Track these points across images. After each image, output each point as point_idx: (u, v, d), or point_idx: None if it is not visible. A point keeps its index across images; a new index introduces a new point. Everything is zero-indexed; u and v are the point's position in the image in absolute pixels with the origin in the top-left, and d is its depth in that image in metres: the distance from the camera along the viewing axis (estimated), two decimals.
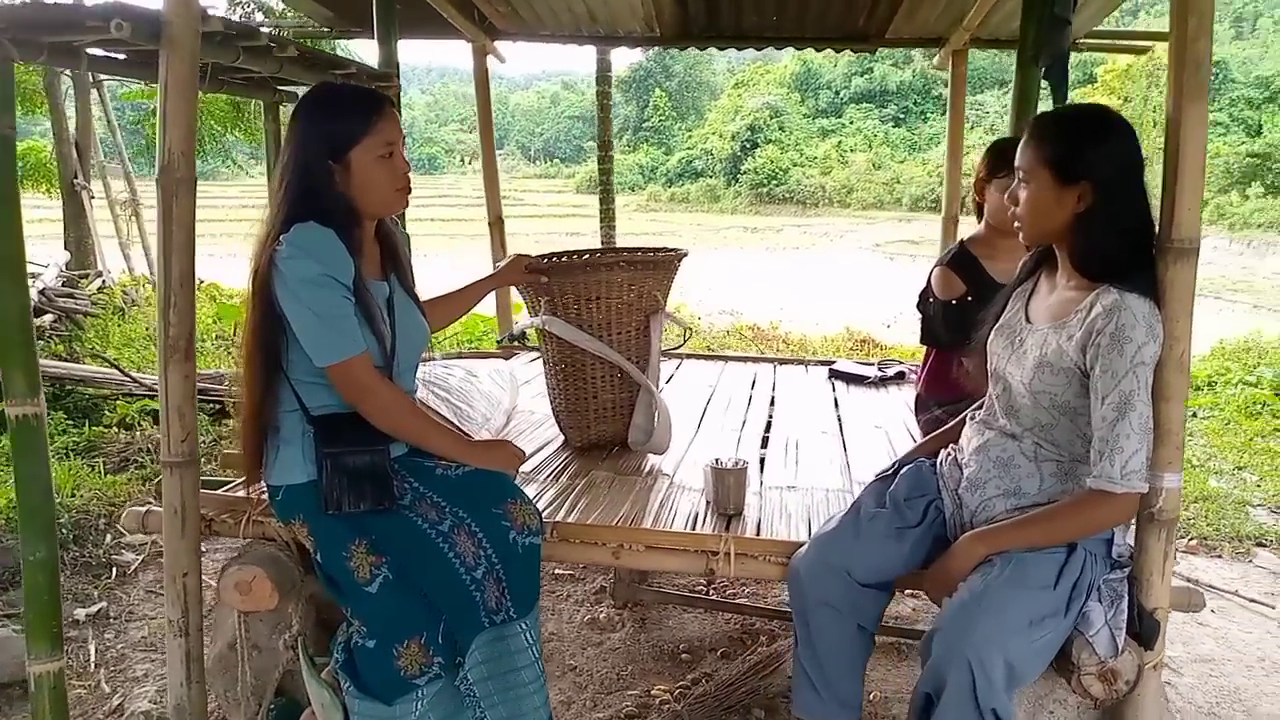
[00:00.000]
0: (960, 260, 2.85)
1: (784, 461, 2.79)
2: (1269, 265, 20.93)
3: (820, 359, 4.47)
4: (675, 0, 3.96)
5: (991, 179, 2.79)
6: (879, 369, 3.98)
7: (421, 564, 1.96)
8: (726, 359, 4.41)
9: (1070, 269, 1.89)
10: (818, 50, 4.54)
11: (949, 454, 2.15)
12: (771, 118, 40.86)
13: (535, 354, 4.18)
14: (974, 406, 2.21)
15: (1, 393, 2.25)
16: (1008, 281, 2.81)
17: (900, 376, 3.90)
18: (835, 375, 3.95)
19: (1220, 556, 3.90)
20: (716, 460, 2.35)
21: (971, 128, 40.70)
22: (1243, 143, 30.34)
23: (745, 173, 38.66)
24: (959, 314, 2.79)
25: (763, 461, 2.78)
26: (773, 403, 3.55)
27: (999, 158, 2.77)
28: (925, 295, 2.97)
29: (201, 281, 8.76)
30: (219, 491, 2.37)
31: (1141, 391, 1.73)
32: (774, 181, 37.39)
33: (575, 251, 3.06)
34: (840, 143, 39.88)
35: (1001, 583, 1.78)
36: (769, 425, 3.23)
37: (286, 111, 2.78)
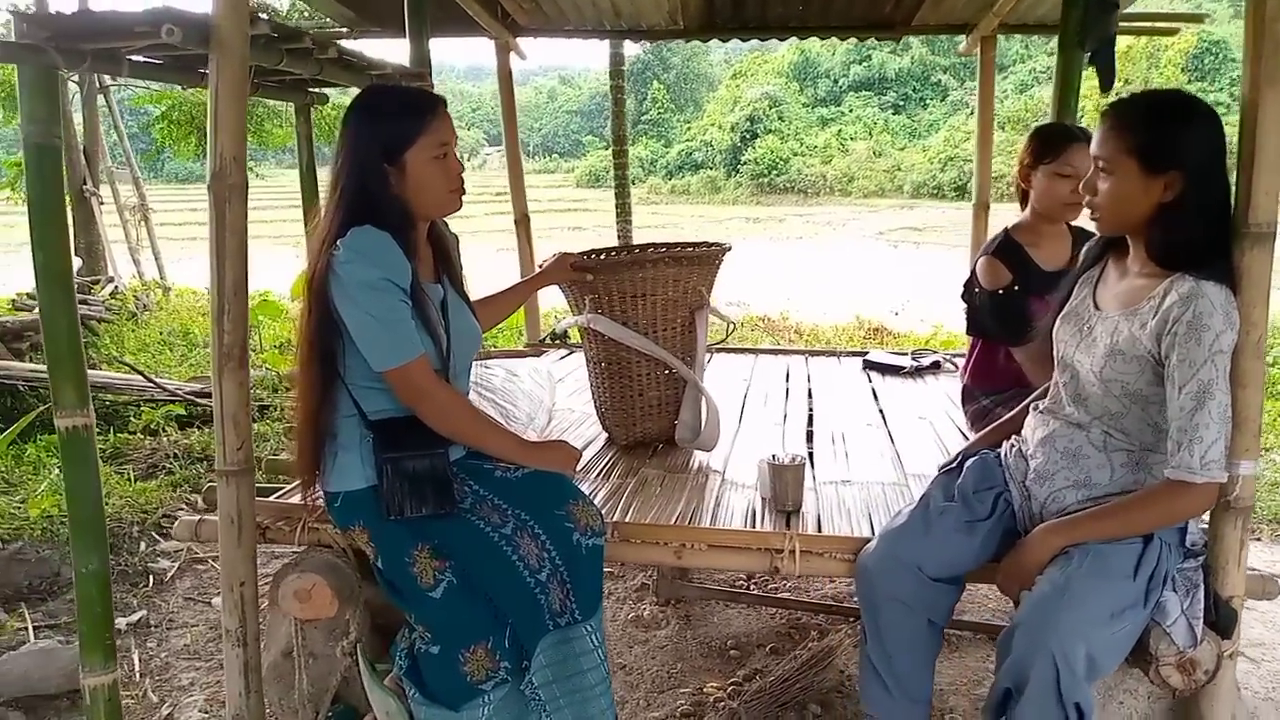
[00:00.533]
0: (1006, 249, 2.81)
1: (833, 455, 2.77)
2: None
3: (852, 350, 4.45)
4: None
5: (1038, 165, 2.75)
6: (913, 359, 3.95)
7: (486, 568, 1.94)
8: (757, 352, 4.39)
9: (1144, 257, 1.86)
10: (841, 40, 4.51)
11: (1013, 445, 2.13)
12: (771, 107, 40.67)
13: (567, 351, 4.16)
14: (1035, 395, 2.18)
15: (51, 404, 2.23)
16: (1054, 269, 2.80)
17: (936, 366, 3.88)
18: (870, 366, 3.92)
19: (1260, 539, 3.88)
20: (773, 456, 2.33)
21: (971, 114, 40.68)
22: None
23: (745, 163, 38.50)
24: (1006, 303, 2.76)
25: (811, 456, 2.76)
26: (810, 395, 3.52)
27: (1045, 143, 2.73)
28: (970, 285, 2.93)
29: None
30: (272, 498, 2.34)
31: (1220, 380, 1.70)
32: (775, 171, 37.23)
33: (617, 248, 3.03)
34: (840, 131, 39.72)
35: (1082, 575, 1.76)
36: (810, 419, 3.21)
37: (318, 114, 2.75)
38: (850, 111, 42.10)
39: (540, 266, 2.66)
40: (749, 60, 48.75)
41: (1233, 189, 1.80)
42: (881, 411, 3.28)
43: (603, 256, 2.76)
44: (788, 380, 3.75)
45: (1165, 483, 1.76)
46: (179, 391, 5.43)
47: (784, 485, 2.28)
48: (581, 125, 57.36)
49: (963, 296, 2.99)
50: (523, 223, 4.57)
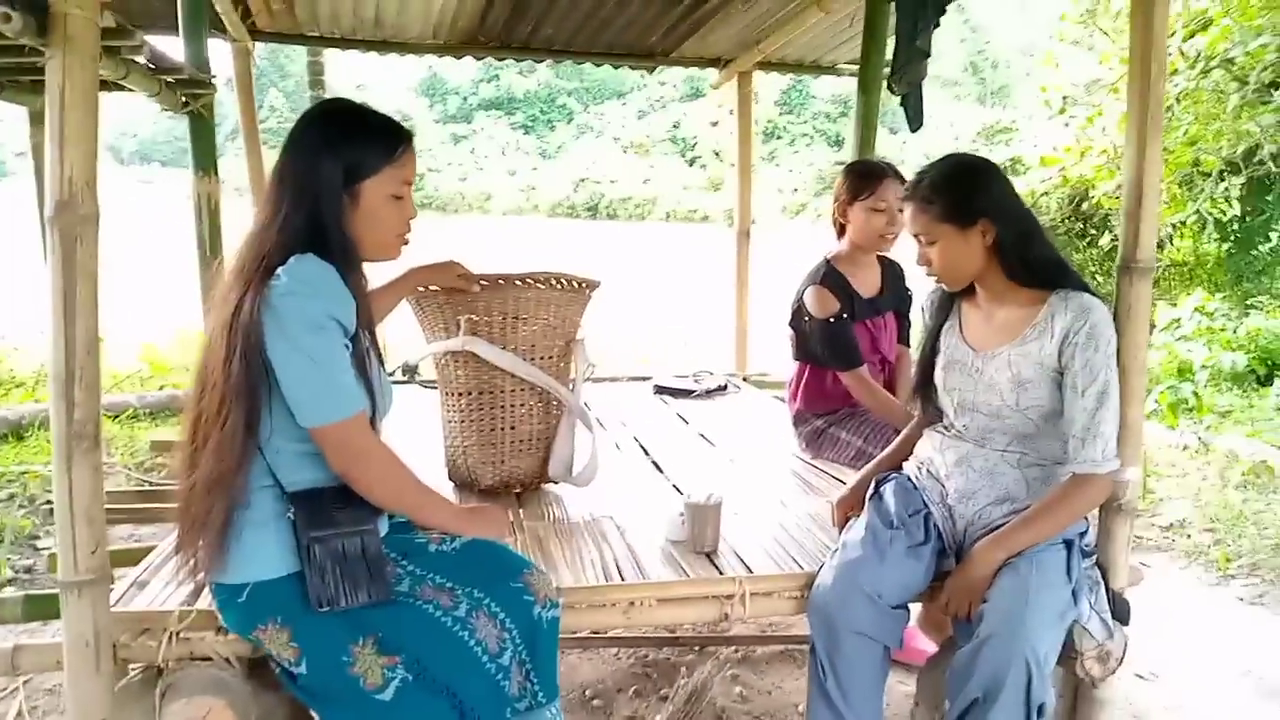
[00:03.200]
0: (830, 278, 2.96)
1: (699, 488, 2.74)
2: None
3: (634, 376, 4.45)
4: (480, 8, 3.73)
5: (854, 201, 2.93)
6: (695, 381, 4.04)
7: (443, 658, 1.68)
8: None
9: (1006, 289, 2.06)
10: (596, 65, 4.51)
11: (920, 466, 2.23)
12: (401, 121, 40.01)
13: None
14: (916, 422, 2.30)
15: None
16: (870, 296, 3.00)
17: (722, 389, 3.99)
18: (661, 391, 3.95)
19: None
20: (689, 496, 2.26)
21: (598, 136, 42.81)
22: (826, 152, 34.75)
23: None
24: (837, 331, 2.91)
25: (676, 488, 2.71)
26: (624, 425, 3.47)
27: (860, 180, 2.92)
28: (799, 314, 3.05)
29: None
30: (117, 605, 1.85)
31: (1114, 380, 1.94)
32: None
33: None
34: (474, 149, 40.02)
35: (1034, 583, 1.88)
36: (644, 449, 3.16)
37: None
38: (482, 130, 42.56)
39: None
40: (374, 73, 47.51)
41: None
42: (704, 436, 3.32)
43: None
44: (588, 409, 3.67)
45: (1073, 479, 1.95)
46: None
47: (704, 525, 2.22)
48: (187, 132, 52.48)
49: (791, 324, 3.11)
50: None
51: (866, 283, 3.02)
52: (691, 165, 38.04)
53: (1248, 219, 8.27)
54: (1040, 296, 2.01)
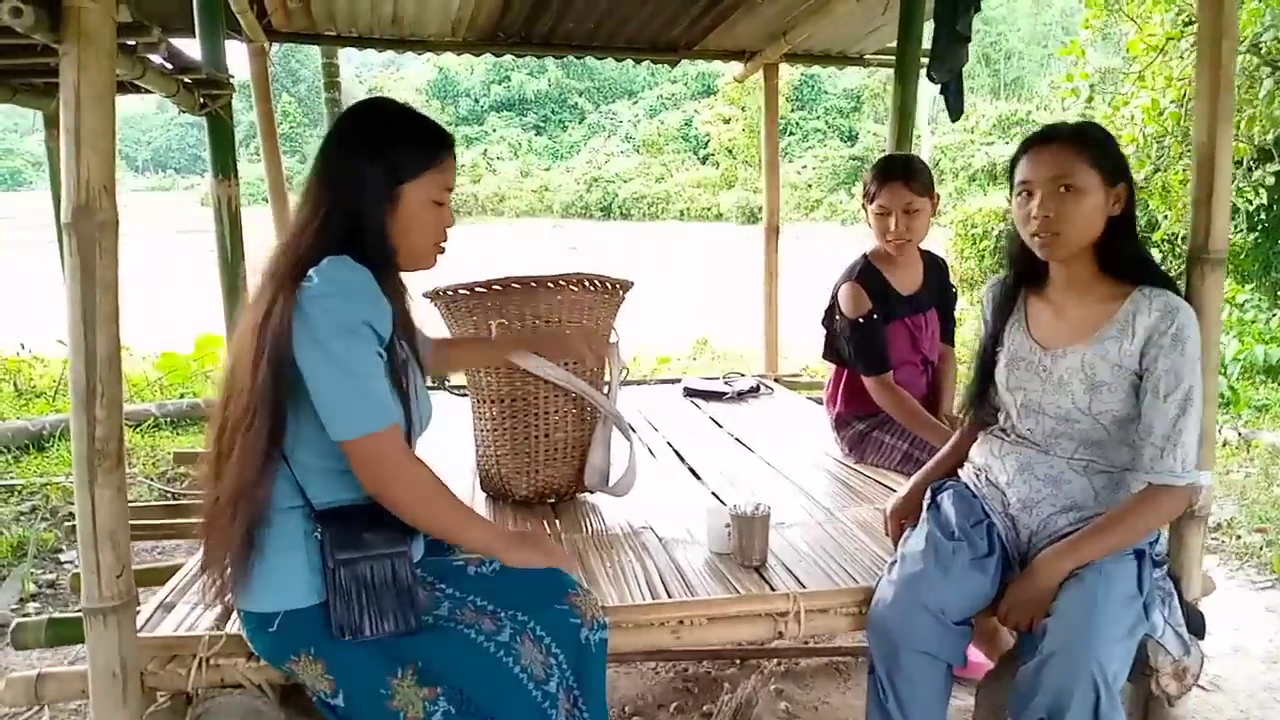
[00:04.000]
0: (866, 274, 2.86)
1: (741, 496, 2.64)
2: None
3: (662, 378, 4.36)
4: (500, 4, 3.63)
5: (866, 202, 2.83)
6: (726, 383, 3.94)
7: (487, 688, 1.58)
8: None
9: (1089, 280, 1.91)
10: (618, 60, 4.41)
11: (978, 473, 2.12)
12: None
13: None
14: (970, 425, 2.19)
15: None
16: (910, 293, 2.89)
17: (755, 391, 3.89)
18: (691, 394, 3.85)
19: None
20: (735, 506, 2.16)
21: (610, 135, 42.70)
22: (839, 148, 34.56)
23: None
24: (865, 332, 2.80)
25: (716, 496, 2.62)
26: (655, 429, 3.38)
27: (871, 182, 2.82)
28: (831, 312, 2.95)
29: None
30: (143, 631, 1.77)
31: (1199, 388, 1.81)
32: None
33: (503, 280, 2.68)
34: (486, 150, 39.96)
35: (1102, 595, 1.77)
36: (679, 455, 3.06)
37: None
38: (494, 131, 42.53)
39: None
40: (384, 76, 47.61)
41: (1186, 219, 1.93)
42: (740, 441, 3.22)
43: (496, 287, 2.40)
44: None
45: (1149, 489, 1.82)
46: None
47: (752, 538, 2.12)
48: (200, 139, 52.66)
49: (823, 322, 3.01)
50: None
51: (906, 279, 2.91)
52: (704, 163, 37.83)
53: (1276, 207, 8.10)
54: (1122, 292, 1.87)
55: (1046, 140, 1.88)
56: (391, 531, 1.61)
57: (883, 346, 2.80)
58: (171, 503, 3.41)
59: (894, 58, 3.49)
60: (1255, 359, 6.82)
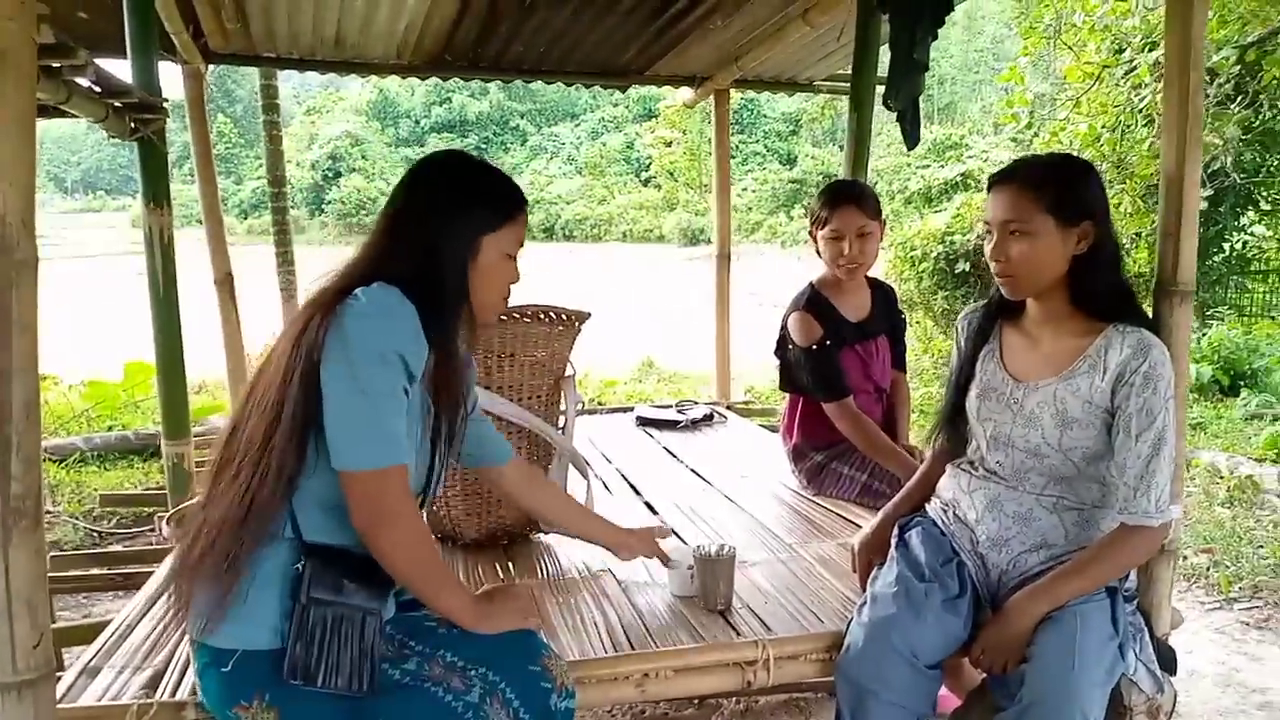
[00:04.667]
0: (814, 303, 2.82)
1: (703, 531, 2.57)
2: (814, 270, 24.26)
3: (613, 406, 4.28)
4: (448, 28, 3.54)
5: (816, 229, 2.80)
6: (679, 411, 3.88)
7: None
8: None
9: (1063, 315, 1.89)
10: (568, 85, 4.34)
11: (945, 509, 2.07)
12: (353, 146, 39.63)
13: None
14: (937, 455, 2.15)
15: None
16: (858, 320, 2.86)
17: (709, 419, 3.83)
18: (644, 423, 3.78)
19: None
20: (698, 548, 2.08)
21: (552, 158, 42.70)
22: (779, 171, 34.96)
23: (331, 202, 37.11)
24: (820, 359, 2.76)
25: (675, 533, 2.54)
26: (608, 460, 3.29)
27: (820, 208, 2.78)
28: (783, 342, 2.90)
29: None
30: (64, 703, 1.62)
31: (1172, 426, 1.78)
32: (363, 211, 36.16)
33: None
34: None
35: (1080, 640, 1.73)
36: (634, 489, 2.98)
37: None
38: None
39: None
40: (322, 96, 47.13)
41: (1149, 251, 1.91)
42: (697, 472, 3.15)
43: None
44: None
45: (1123, 529, 1.79)
46: None
47: (716, 580, 2.04)
48: (131, 159, 51.46)
49: (776, 353, 2.96)
50: (225, 283, 3.84)
51: (854, 306, 2.88)
52: (646, 185, 38.03)
53: (1205, 230, 8.33)
54: (1097, 328, 1.83)
55: (1004, 180, 1.86)
56: (372, 588, 1.53)
57: (839, 371, 2.76)
58: (98, 549, 3.22)
59: (847, 84, 3.50)
60: (1188, 378, 6.97)
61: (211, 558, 1.43)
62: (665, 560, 2.12)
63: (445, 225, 1.58)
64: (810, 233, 2.87)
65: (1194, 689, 2.95)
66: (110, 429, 5.76)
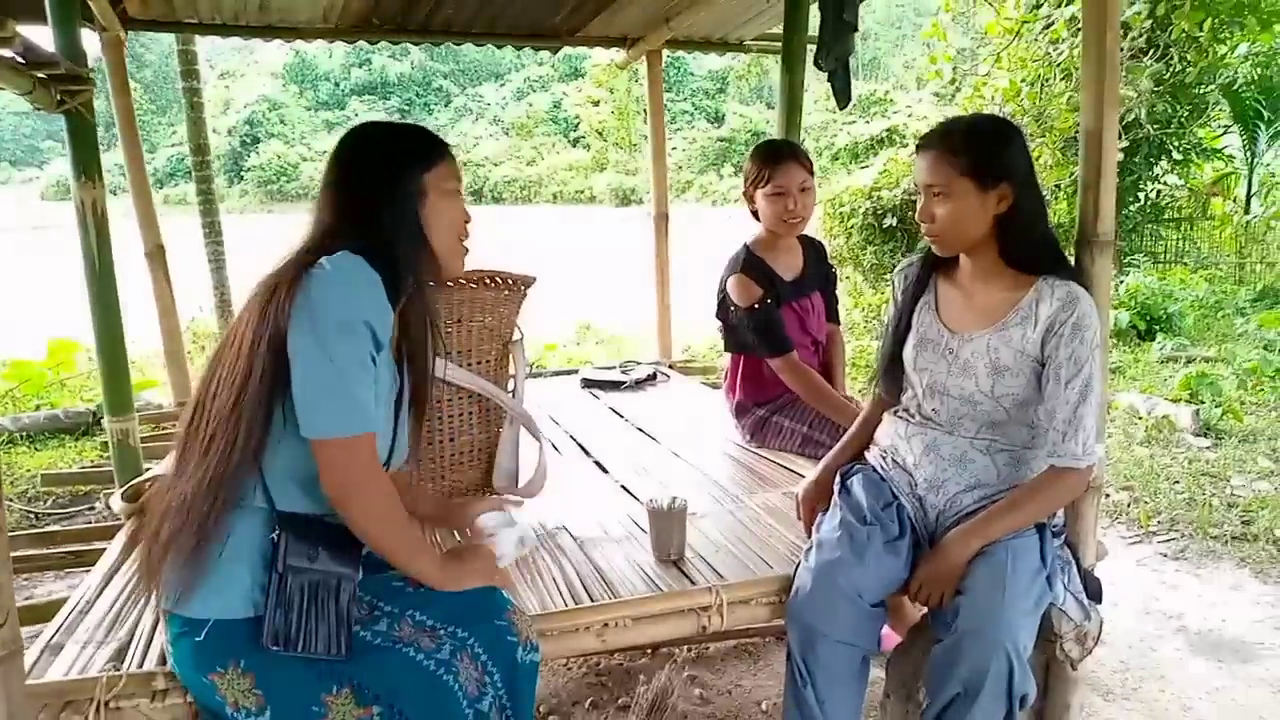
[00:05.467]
0: (750, 264, 2.89)
1: (652, 487, 2.63)
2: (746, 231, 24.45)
3: (558, 369, 4.31)
4: None
5: (756, 187, 2.86)
6: (623, 372, 3.93)
7: (424, 707, 1.53)
8: None
9: (994, 269, 1.98)
10: (498, 48, 4.31)
11: (884, 455, 2.17)
12: (271, 110, 38.53)
13: None
14: (874, 404, 2.24)
15: None
16: (793, 277, 2.94)
17: (652, 379, 3.89)
18: (589, 384, 3.83)
19: None
20: (651, 500, 2.15)
21: (477, 119, 42.02)
22: (707, 129, 34.98)
23: (250, 169, 36.10)
24: (763, 318, 2.84)
25: (626, 489, 2.60)
26: (556, 422, 3.34)
27: (759, 166, 2.85)
28: (725, 304, 2.97)
29: None
30: (32, 677, 1.63)
31: (1098, 373, 1.89)
32: (284, 178, 35.32)
33: None
34: None
35: (1010, 572, 1.84)
36: (584, 449, 3.03)
37: None
38: (356, 116, 41.27)
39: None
40: (235, 59, 45.64)
41: (1069, 202, 2.01)
42: (643, 431, 3.21)
43: None
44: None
45: (1052, 471, 1.91)
46: None
47: (669, 534, 2.11)
48: (38, 128, 49.32)
49: (718, 315, 3.03)
50: (156, 255, 3.76)
51: (789, 265, 2.96)
52: (575, 145, 37.73)
53: (1119, 180, 8.63)
54: (1027, 281, 1.93)
55: (928, 145, 1.96)
56: (345, 554, 1.57)
57: (781, 327, 2.84)
58: (38, 528, 3.17)
59: (778, 44, 3.54)
60: (1108, 324, 7.25)
61: (185, 529, 1.45)
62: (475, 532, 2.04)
63: (385, 182, 1.61)
64: (746, 192, 2.92)
65: (1118, 617, 3.13)
66: (38, 408, 5.61)
